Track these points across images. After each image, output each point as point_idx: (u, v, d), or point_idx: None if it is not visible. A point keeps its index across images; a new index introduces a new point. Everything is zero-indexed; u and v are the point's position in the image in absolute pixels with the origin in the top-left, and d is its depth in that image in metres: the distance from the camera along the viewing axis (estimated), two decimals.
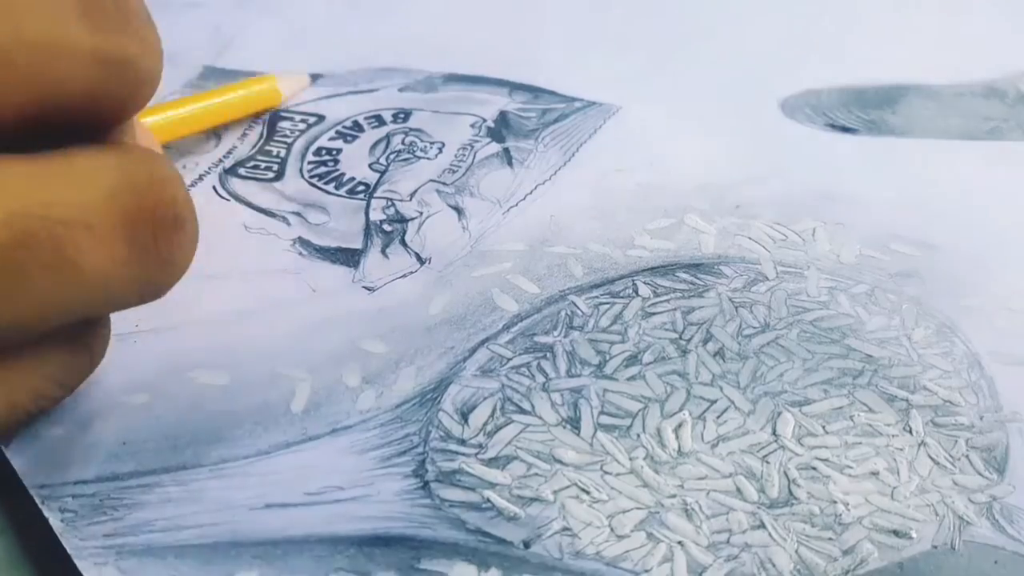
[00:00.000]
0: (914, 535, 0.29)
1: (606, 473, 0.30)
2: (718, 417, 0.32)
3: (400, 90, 0.49)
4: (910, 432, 0.32)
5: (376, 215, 0.41)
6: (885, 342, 0.35)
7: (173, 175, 0.28)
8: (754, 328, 0.35)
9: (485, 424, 0.32)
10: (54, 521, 0.29)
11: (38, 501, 0.29)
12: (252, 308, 0.36)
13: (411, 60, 0.51)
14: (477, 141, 0.45)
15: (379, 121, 0.46)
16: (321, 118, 0.47)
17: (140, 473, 0.30)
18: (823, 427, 0.32)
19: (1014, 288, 0.37)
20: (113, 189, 0.26)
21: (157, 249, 0.27)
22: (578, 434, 0.31)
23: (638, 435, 0.31)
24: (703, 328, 0.35)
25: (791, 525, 0.29)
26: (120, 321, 0.35)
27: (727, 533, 0.29)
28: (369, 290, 0.37)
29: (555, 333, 0.35)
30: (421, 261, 0.38)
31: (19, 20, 0.23)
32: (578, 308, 0.36)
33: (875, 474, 0.30)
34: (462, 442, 0.31)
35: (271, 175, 0.43)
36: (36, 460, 0.31)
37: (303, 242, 0.40)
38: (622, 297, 0.36)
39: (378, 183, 0.43)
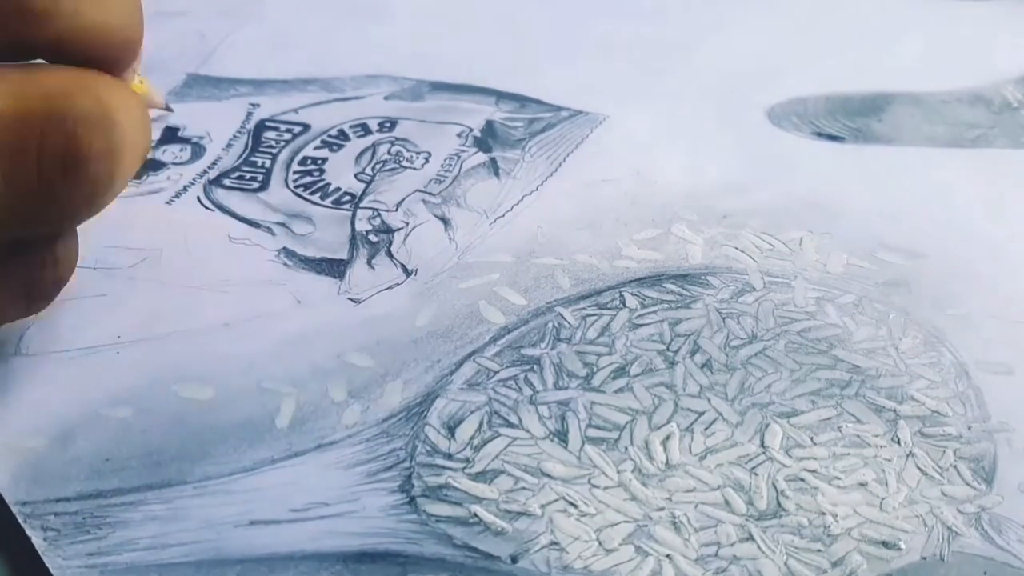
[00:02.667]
0: (903, 546, 0.29)
1: (594, 486, 0.30)
2: (706, 429, 0.32)
3: (386, 98, 0.48)
4: (898, 443, 0.31)
5: (362, 225, 0.41)
6: (872, 352, 0.34)
7: (85, 115, 0.26)
8: (741, 339, 0.35)
9: (472, 438, 0.32)
10: (36, 540, 0.28)
11: (20, 519, 0.29)
12: (236, 319, 0.36)
13: (397, 67, 0.50)
14: (464, 151, 0.45)
15: (365, 130, 0.46)
16: (306, 127, 0.46)
17: (123, 491, 0.30)
18: (811, 438, 0.32)
19: (1001, 297, 0.37)
20: None
21: (38, 184, 0.26)
22: (566, 447, 0.31)
23: (626, 448, 0.31)
24: (690, 339, 0.35)
25: (780, 537, 0.29)
26: (102, 332, 0.35)
27: (715, 546, 0.29)
28: (355, 302, 0.37)
29: (542, 345, 0.35)
30: (407, 272, 0.38)
31: None
32: (565, 320, 0.36)
33: (863, 485, 0.30)
34: (449, 456, 0.31)
35: (256, 185, 0.43)
36: (16, 475, 0.30)
37: (288, 252, 0.39)
38: (609, 309, 0.36)
39: (364, 193, 0.42)
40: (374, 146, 0.45)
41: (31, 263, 0.30)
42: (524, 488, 0.30)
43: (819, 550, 0.29)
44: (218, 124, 0.46)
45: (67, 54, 0.27)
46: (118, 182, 0.29)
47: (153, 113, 0.32)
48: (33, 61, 0.27)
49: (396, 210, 0.41)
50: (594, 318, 0.36)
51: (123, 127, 0.28)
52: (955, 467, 0.31)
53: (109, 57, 0.28)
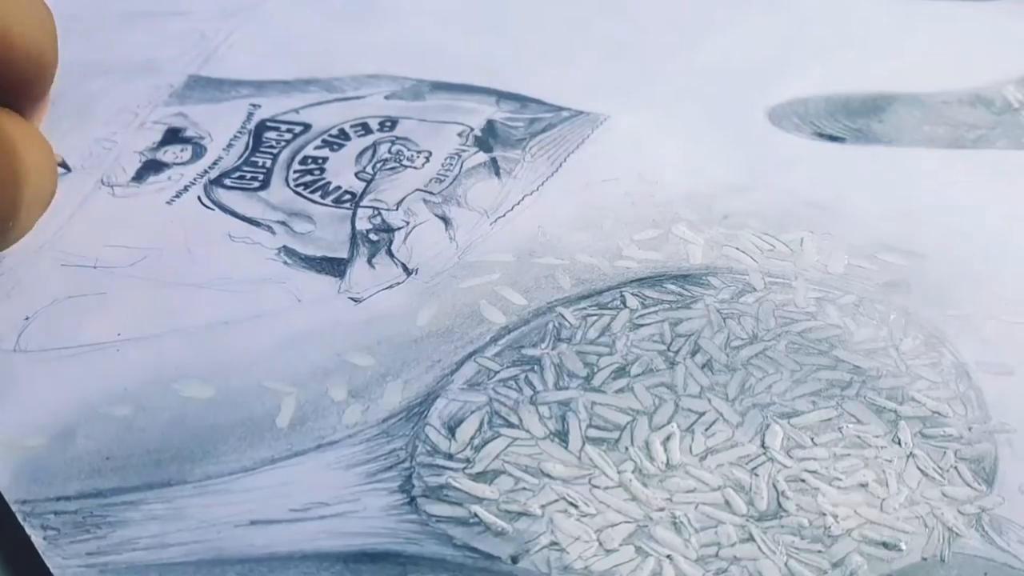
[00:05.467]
0: (903, 547, 0.29)
1: (594, 487, 0.30)
2: (706, 429, 0.32)
3: (387, 98, 0.48)
4: (899, 443, 0.31)
5: (362, 224, 0.41)
6: (873, 353, 0.34)
7: None
8: (742, 340, 0.35)
9: (472, 438, 0.32)
10: (36, 539, 0.28)
11: (20, 518, 0.29)
12: (237, 318, 0.36)
13: (398, 67, 0.50)
14: (464, 150, 0.45)
15: (365, 129, 0.46)
16: (307, 127, 0.46)
17: (123, 490, 0.30)
18: (811, 439, 0.32)
19: (1002, 298, 0.37)
20: None
21: None
22: (566, 447, 0.31)
23: (626, 448, 0.31)
24: (691, 340, 0.35)
25: (780, 538, 0.29)
26: (102, 330, 0.35)
27: (716, 546, 0.29)
28: (355, 301, 0.37)
29: (543, 345, 0.35)
30: (408, 271, 0.38)
31: None
32: (566, 320, 0.36)
33: (864, 486, 0.30)
34: (449, 456, 0.31)
35: (256, 185, 0.43)
36: (16, 473, 0.30)
37: (288, 251, 0.39)
38: (610, 309, 0.36)
39: (364, 192, 0.42)
40: (375, 145, 0.45)
41: None
42: (524, 488, 0.30)
43: (820, 551, 0.29)
44: (219, 124, 0.46)
45: None
46: (22, 215, 0.28)
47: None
48: None
49: (397, 209, 0.41)
50: (595, 318, 0.36)
51: (25, 160, 0.27)
52: (956, 468, 0.31)
53: (23, 78, 0.27)
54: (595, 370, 0.34)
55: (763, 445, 0.31)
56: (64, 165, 0.38)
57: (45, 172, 0.28)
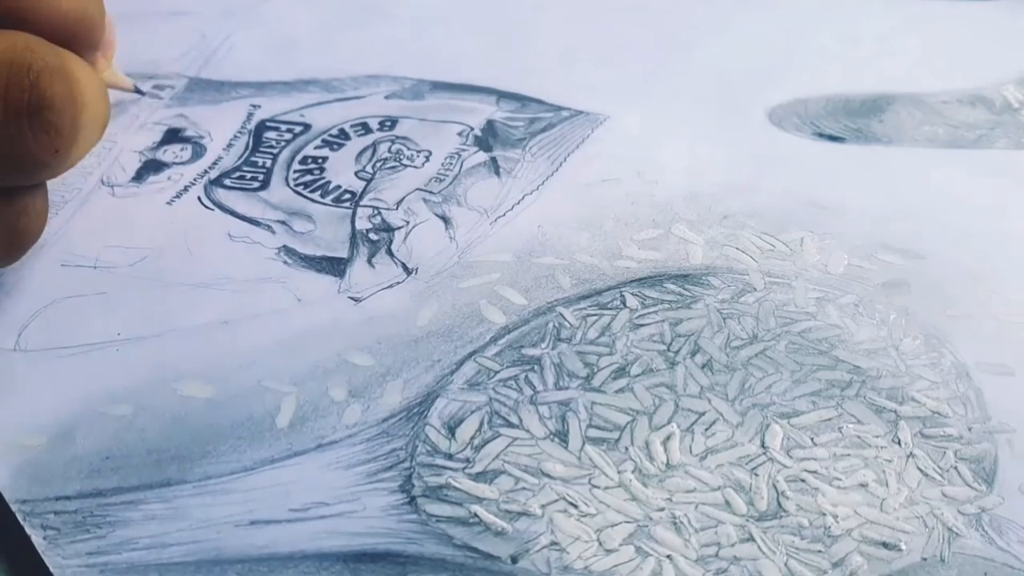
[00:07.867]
0: (903, 547, 0.29)
1: (594, 487, 0.30)
2: (706, 429, 0.32)
3: (387, 97, 0.48)
4: (899, 443, 0.31)
5: (362, 224, 0.41)
6: (873, 353, 0.34)
7: (46, 65, 0.29)
8: (742, 340, 0.35)
9: (472, 438, 0.32)
10: (36, 538, 0.28)
11: (20, 517, 0.29)
12: (237, 318, 0.36)
13: (398, 67, 0.50)
14: (464, 150, 0.44)
15: (365, 129, 0.46)
16: (307, 127, 0.46)
17: (123, 489, 0.30)
18: (811, 439, 0.32)
19: (1001, 297, 0.37)
20: None
21: (4, 128, 0.29)
22: (566, 447, 0.31)
23: (626, 448, 0.31)
24: (691, 340, 0.35)
25: (780, 538, 0.29)
26: (102, 329, 0.35)
27: (716, 546, 0.29)
28: (355, 300, 0.37)
29: (543, 345, 0.35)
30: (408, 271, 0.38)
31: None
32: (566, 320, 0.36)
33: (864, 486, 0.30)
34: (449, 456, 0.31)
35: (256, 185, 0.43)
36: (16, 473, 0.30)
37: (288, 251, 0.39)
38: (610, 309, 0.36)
39: (364, 191, 0.42)
40: (375, 144, 0.45)
41: (4, 213, 0.32)
42: (524, 488, 0.30)
43: (820, 551, 0.29)
44: (219, 124, 0.46)
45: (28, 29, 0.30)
46: (81, 137, 0.31)
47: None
48: None
49: (396, 208, 0.41)
50: (595, 318, 0.36)
51: (82, 83, 0.31)
52: (956, 468, 0.31)
53: (75, 32, 0.32)
54: (595, 370, 0.34)
55: (763, 445, 0.31)
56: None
57: (100, 99, 0.32)
